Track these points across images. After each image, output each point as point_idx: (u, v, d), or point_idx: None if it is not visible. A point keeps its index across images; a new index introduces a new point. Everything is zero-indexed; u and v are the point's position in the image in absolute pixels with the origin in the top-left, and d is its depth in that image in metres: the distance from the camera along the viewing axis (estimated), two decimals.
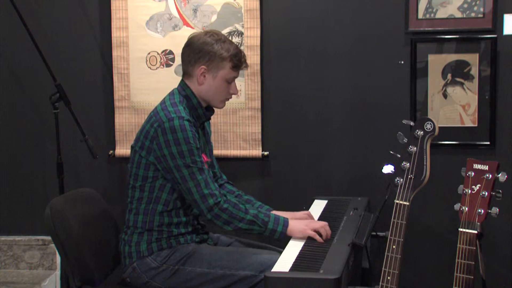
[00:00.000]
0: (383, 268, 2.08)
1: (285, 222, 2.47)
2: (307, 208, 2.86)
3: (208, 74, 2.53)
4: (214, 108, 2.66)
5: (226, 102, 2.65)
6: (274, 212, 2.68)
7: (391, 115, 3.18)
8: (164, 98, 2.58)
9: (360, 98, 3.22)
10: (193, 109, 2.56)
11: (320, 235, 2.43)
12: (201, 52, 2.51)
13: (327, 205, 2.92)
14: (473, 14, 3.07)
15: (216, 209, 2.42)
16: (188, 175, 2.41)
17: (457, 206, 2.10)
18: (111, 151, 3.38)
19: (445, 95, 3.13)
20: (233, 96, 2.66)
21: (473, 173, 2.08)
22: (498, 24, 3.05)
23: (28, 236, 3.51)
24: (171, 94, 2.59)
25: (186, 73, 2.58)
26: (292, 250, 2.35)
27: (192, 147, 2.42)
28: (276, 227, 2.45)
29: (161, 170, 2.47)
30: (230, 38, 3.20)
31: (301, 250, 2.34)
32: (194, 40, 2.55)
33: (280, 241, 2.52)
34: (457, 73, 3.11)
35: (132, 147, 2.57)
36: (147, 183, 2.51)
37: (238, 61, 2.54)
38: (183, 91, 2.56)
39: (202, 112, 2.58)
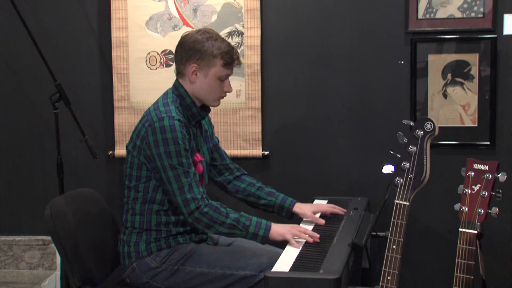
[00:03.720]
0: (383, 268, 2.08)
1: (267, 226, 2.46)
2: None
3: (199, 73, 2.52)
4: (210, 108, 2.66)
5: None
6: (299, 204, 2.72)
7: (391, 115, 3.18)
8: (158, 99, 2.58)
9: (360, 98, 3.22)
10: (187, 108, 2.56)
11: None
12: (192, 51, 2.51)
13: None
14: (473, 14, 3.07)
15: (197, 213, 2.41)
16: (173, 177, 2.41)
17: (457, 206, 2.10)
18: (110, 152, 3.38)
19: (445, 95, 3.13)
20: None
21: (473, 173, 2.08)
22: (498, 24, 3.05)
23: (28, 236, 3.51)
24: (165, 94, 2.59)
25: (179, 72, 2.58)
26: (292, 250, 2.35)
27: (180, 148, 2.41)
28: (257, 231, 2.45)
29: (151, 170, 2.48)
30: (230, 38, 3.21)
31: (301, 250, 2.34)
32: (186, 39, 2.55)
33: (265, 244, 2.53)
34: (457, 73, 3.11)
35: (126, 147, 2.57)
36: (141, 183, 2.51)
37: (229, 59, 2.53)
38: (176, 90, 2.57)
39: (197, 111, 2.57)
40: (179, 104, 2.54)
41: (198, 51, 2.50)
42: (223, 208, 2.46)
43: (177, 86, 2.57)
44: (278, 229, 2.46)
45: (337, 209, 2.73)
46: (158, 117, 2.44)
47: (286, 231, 2.45)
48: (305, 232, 2.45)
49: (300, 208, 2.72)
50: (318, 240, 2.42)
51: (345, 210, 2.72)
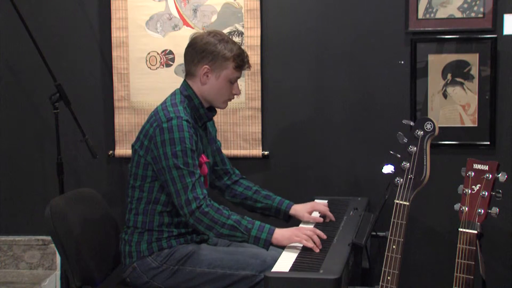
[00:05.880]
0: (383, 268, 2.08)
1: (271, 230, 2.41)
2: None
3: (211, 74, 2.53)
4: (216, 109, 2.66)
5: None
6: (295, 206, 2.72)
7: (391, 115, 3.18)
8: (166, 99, 2.58)
9: (360, 98, 3.22)
10: (195, 110, 2.56)
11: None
12: (204, 52, 2.51)
13: (327, 205, 2.91)
14: (473, 14, 3.07)
15: (197, 213, 2.38)
16: (178, 177, 2.40)
17: (457, 206, 2.10)
18: (110, 151, 3.38)
19: (445, 95, 3.13)
20: (235, 96, 2.66)
21: (473, 173, 2.08)
22: (498, 24, 3.06)
23: (28, 236, 3.50)
24: (173, 94, 2.59)
25: (189, 73, 2.58)
26: (292, 250, 2.35)
27: (187, 148, 2.41)
28: (260, 234, 2.40)
29: (156, 171, 2.47)
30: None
31: (301, 250, 2.34)
32: (197, 40, 2.55)
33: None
34: (457, 73, 3.11)
35: (133, 146, 2.57)
36: (146, 182, 2.51)
37: (241, 61, 2.54)
38: (185, 91, 2.57)
39: (204, 112, 2.58)
40: (187, 105, 2.54)
41: (210, 53, 2.51)
42: (225, 210, 2.44)
43: (185, 87, 2.57)
44: (283, 233, 2.41)
45: (329, 213, 2.71)
46: (167, 117, 2.44)
47: (292, 234, 2.39)
48: (312, 232, 2.40)
49: (295, 210, 2.72)
50: (325, 238, 2.40)
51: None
